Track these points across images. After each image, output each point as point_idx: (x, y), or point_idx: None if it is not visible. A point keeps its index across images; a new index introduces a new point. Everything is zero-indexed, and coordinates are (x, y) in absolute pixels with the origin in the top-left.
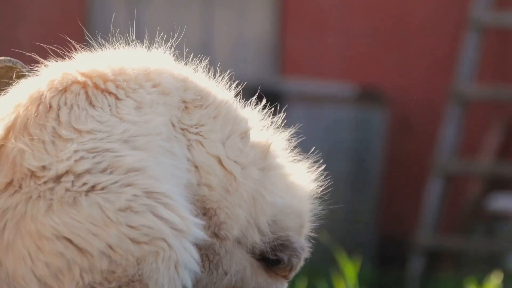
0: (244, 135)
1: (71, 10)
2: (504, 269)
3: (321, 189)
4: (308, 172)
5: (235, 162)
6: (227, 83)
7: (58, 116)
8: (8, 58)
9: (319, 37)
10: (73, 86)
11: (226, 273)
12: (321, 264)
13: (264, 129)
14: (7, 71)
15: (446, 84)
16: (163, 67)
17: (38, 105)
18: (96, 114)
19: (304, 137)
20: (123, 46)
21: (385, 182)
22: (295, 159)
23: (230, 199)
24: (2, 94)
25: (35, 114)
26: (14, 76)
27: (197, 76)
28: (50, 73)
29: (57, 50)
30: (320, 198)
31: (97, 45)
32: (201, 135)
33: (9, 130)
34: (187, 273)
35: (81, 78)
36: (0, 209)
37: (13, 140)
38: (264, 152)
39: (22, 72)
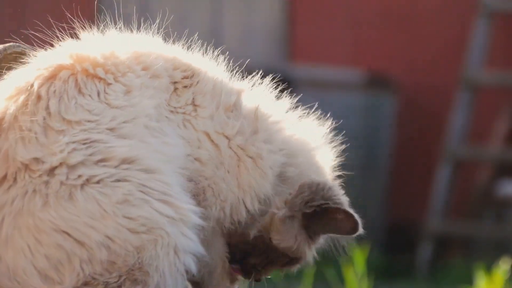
0: (233, 107)
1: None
2: None
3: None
4: (315, 126)
5: (222, 134)
6: (233, 67)
7: (47, 106)
8: (17, 44)
9: (328, 23)
10: (61, 72)
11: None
12: (330, 250)
13: (256, 96)
14: (16, 57)
15: (456, 70)
16: (153, 49)
17: (27, 95)
18: (85, 103)
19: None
20: (121, 30)
21: (394, 168)
22: (301, 116)
23: (218, 174)
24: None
25: (25, 106)
26: (23, 61)
27: (186, 54)
28: (38, 62)
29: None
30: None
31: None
32: (189, 114)
33: None
34: (189, 257)
35: (69, 64)
36: None
37: (4, 134)
38: (253, 119)
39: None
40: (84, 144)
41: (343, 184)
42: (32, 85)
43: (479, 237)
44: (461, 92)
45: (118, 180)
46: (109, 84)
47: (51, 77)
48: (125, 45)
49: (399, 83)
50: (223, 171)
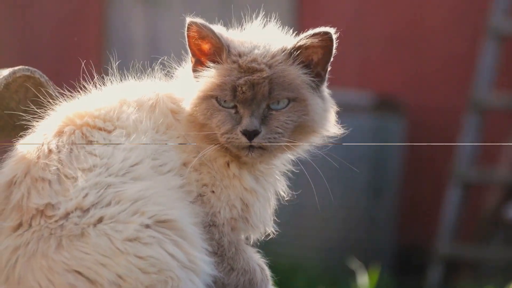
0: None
1: (88, 15)
2: None
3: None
4: None
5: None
6: None
7: (59, 157)
8: (27, 67)
9: (336, 45)
10: (66, 128)
11: (232, 269)
12: (339, 273)
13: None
14: (25, 80)
15: (464, 92)
16: (133, 88)
17: (38, 152)
18: (93, 149)
19: (321, 146)
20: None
21: (403, 191)
22: None
23: (213, 174)
24: (21, 102)
25: (36, 159)
26: (32, 85)
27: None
28: (42, 128)
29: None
30: (339, 207)
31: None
32: (168, 125)
33: (10, 182)
34: None
35: (72, 121)
36: (11, 247)
37: (16, 188)
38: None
39: (40, 81)
40: (96, 188)
41: (351, 206)
42: (42, 145)
43: (488, 260)
44: (470, 114)
45: (131, 213)
46: (109, 131)
47: (58, 134)
48: (113, 94)
49: (408, 106)
50: (213, 170)
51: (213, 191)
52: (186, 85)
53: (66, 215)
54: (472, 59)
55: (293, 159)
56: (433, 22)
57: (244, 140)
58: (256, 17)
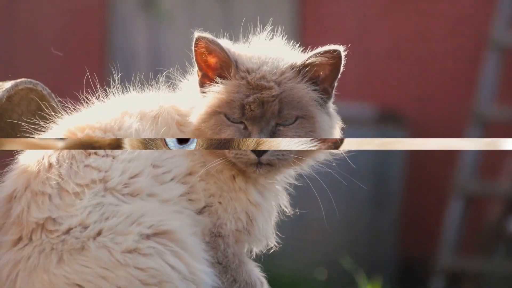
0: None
1: (91, 27)
2: None
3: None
4: None
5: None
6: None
7: (59, 172)
8: (29, 79)
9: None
10: None
11: (235, 280)
12: (341, 285)
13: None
14: (28, 93)
15: (466, 104)
16: (132, 99)
17: (38, 166)
18: (92, 161)
19: (324, 159)
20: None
21: (406, 203)
22: None
23: (219, 185)
24: (24, 115)
25: (37, 173)
26: (34, 97)
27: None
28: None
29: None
30: (341, 219)
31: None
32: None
33: (10, 196)
34: None
35: (72, 134)
36: (12, 261)
37: (16, 202)
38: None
39: (42, 93)
40: (98, 206)
41: (353, 219)
42: (41, 158)
43: (490, 273)
44: (472, 127)
45: (129, 224)
46: None
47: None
48: (115, 106)
49: (409, 118)
50: (220, 181)
51: (220, 202)
52: (191, 98)
53: (68, 231)
54: (474, 72)
55: (296, 173)
56: (434, 35)
57: (253, 156)
58: (259, 31)
